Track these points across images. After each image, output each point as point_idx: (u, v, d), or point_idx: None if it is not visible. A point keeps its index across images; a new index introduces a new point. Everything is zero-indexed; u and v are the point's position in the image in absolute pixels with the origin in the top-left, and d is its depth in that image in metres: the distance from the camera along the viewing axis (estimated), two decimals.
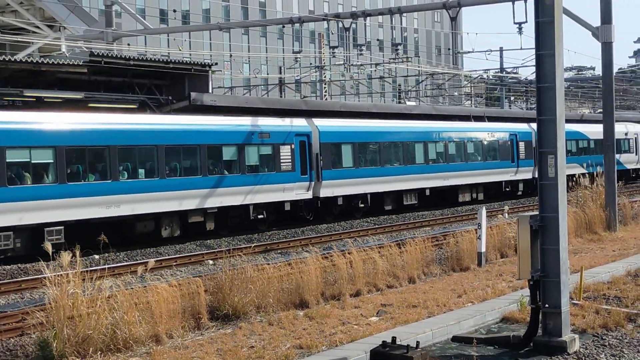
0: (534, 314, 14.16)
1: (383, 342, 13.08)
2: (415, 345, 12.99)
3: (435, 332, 14.93)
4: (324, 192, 36.64)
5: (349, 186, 37.91)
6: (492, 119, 53.22)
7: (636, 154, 64.47)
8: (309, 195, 36.01)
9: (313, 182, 36.15)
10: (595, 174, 33.76)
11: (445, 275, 21.81)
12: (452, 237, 24.26)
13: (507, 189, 50.25)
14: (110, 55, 34.78)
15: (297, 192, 35.48)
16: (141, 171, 30.22)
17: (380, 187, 39.70)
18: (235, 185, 32.97)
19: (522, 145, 50.92)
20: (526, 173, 51.38)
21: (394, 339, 13.14)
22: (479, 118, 51.96)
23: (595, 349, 13.92)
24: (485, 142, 48.15)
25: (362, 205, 39.04)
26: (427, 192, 43.12)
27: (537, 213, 14.19)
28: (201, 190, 31.70)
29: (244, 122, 34.11)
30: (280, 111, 39.16)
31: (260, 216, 34.13)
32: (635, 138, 64.66)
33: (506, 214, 31.51)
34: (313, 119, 37.36)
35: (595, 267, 21.38)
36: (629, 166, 63.35)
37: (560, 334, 13.86)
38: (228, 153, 33.16)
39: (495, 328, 15.95)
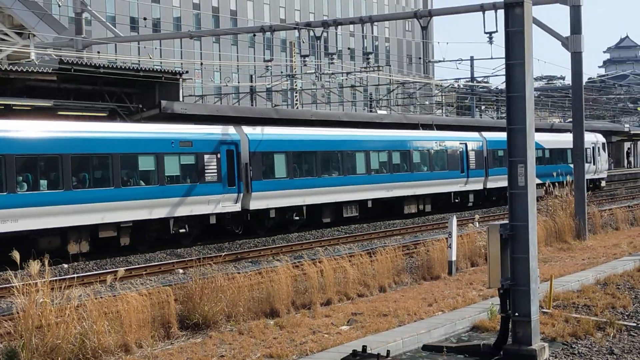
0: (504, 322, 14.20)
1: (353, 351, 13.06)
2: (385, 354, 12.98)
3: (406, 340, 14.93)
4: (255, 205, 34.62)
5: (282, 198, 35.95)
6: (441, 127, 51.79)
7: (593, 164, 62.53)
8: (237, 207, 33.97)
9: (242, 194, 34.16)
10: (548, 184, 33.40)
11: (416, 283, 21.82)
12: (423, 245, 24.31)
13: (457, 200, 48.09)
14: (80, 63, 34.61)
15: (224, 204, 33.31)
16: (44, 182, 27.78)
17: (317, 199, 37.83)
18: (153, 197, 30.70)
19: (472, 154, 49.09)
20: (477, 184, 49.65)
21: (364, 347, 13.13)
22: (427, 126, 50.50)
23: (564, 358, 13.98)
24: (433, 152, 45.97)
25: (297, 218, 37.13)
26: (370, 204, 41.09)
27: (507, 222, 14.24)
28: (113, 203, 29.35)
29: (163, 130, 32.18)
30: (251, 120, 39.09)
31: (182, 230, 32.05)
32: (593, 147, 62.86)
33: (477, 223, 31.60)
34: (243, 127, 35.44)
35: (565, 276, 21.49)
36: (586, 176, 62.62)
37: (530, 342, 13.90)
38: (145, 163, 30.81)
39: (466, 337, 15.98)
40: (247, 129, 35.37)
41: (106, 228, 29.35)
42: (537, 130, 62.43)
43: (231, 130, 34.64)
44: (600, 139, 65.16)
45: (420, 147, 44.99)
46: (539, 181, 47.15)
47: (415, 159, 44.23)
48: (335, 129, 41.81)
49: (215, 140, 33.48)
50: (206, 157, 32.74)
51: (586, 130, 67.64)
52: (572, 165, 52.09)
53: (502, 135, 47.57)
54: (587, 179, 58.85)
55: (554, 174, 51.03)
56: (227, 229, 34.56)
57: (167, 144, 31.38)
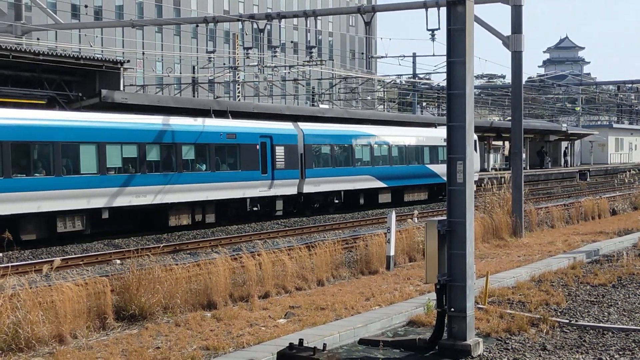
0: (440, 317, 14.32)
1: (290, 344, 13.07)
2: (322, 348, 13.00)
3: (343, 334, 14.98)
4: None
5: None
6: (238, 114, 40.88)
7: None
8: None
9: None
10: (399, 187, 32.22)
11: (354, 278, 21.90)
12: (362, 240, 24.39)
13: (256, 209, 38.21)
14: (18, 49, 34.12)
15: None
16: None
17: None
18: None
19: (280, 150, 39.06)
20: (288, 187, 39.66)
21: (301, 341, 13.14)
22: (220, 113, 39.30)
23: (498, 353, 14.14)
24: (216, 146, 35.87)
25: None
26: (106, 214, 31.77)
27: (445, 218, 14.36)
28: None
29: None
30: (193, 111, 38.83)
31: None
32: None
33: (416, 219, 31.82)
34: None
35: (501, 272, 21.73)
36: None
37: (465, 337, 14.04)
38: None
39: (402, 331, 16.08)
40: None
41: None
42: (384, 123, 52.74)
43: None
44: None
45: (194, 140, 34.99)
46: (382, 184, 44.03)
47: (186, 156, 34.61)
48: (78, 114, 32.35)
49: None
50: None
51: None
52: (429, 167, 50.63)
53: (327, 127, 44.87)
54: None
55: (407, 176, 48.68)
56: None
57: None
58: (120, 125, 32.22)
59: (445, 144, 50.86)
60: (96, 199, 30.97)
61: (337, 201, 43.72)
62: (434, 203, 50.03)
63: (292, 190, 39.98)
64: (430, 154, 51.08)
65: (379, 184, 46.28)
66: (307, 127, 41.95)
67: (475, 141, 54.03)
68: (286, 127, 40.70)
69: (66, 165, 30.24)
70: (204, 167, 35.48)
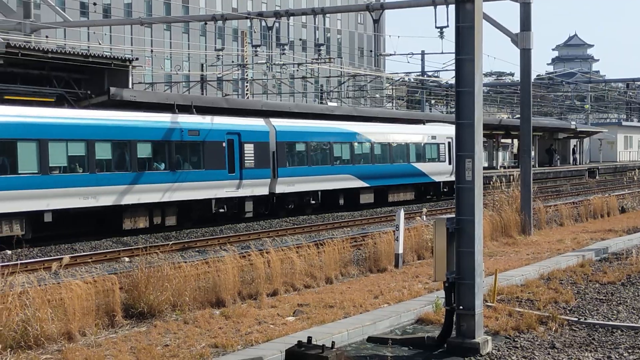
0: (449, 315, 14.31)
1: (299, 341, 13.08)
2: (330, 345, 13.01)
3: (351, 332, 14.97)
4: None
5: None
6: (204, 110, 38.20)
7: (450, 163, 50.48)
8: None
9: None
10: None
11: (363, 276, 21.89)
12: (371, 238, 24.37)
13: (222, 210, 36.28)
14: (27, 47, 34.18)
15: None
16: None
17: None
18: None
19: (250, 148, 36.98)
20: (258, 187, 37.69)
21: (309, 338, 13.15)
22: (184, 108, 36.56)
23: (507, 351, 14.12)
24: (176, 144, 33.77)
25: None
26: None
27: (454, 216, 14.34)
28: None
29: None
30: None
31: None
32: (449, 143, 50.79)
33: (424, 217, 31.79)
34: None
35: (510, 270, 21.70)
36: (438, 178, 50.80)
37: (473, 335, 14.03)
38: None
39: (411, 329, 16.07)
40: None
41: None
42: (368, 119, 50.88)
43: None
44: None
45: (150, 137, 33.04)
46: (363, 184, 42.35)
47: (141, 154, 32.66)
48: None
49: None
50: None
51: (443, 122, 57.03)
52: (415, 165, 48.38)
53: (303, 124, 42.82)
54: (442, 182, 51.04)
55: (391, 175, 46.40)
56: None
57: None
58: (66, 122, 30.04)
59: (432, 141, 49.60)
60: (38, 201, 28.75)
61: (313, 202, 41.51)
62: (420, 203, 46.52)
63: (263, 191, 38.08)
64: (417, 151, 49.07)
65: (360, 184, 44.11)
66: (280, 123, 39.97)
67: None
68: (256, 123, 38.52)
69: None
70: (162, 166, 33.38)
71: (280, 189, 39.02)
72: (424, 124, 54.46)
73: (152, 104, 36.75)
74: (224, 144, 35.78)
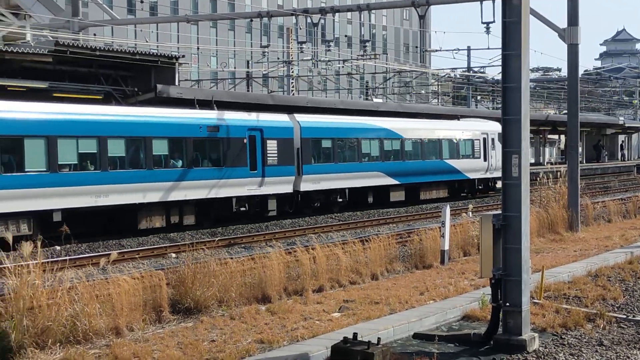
0: (495, 312, 14.23)
1: (344, 338, 13.08)
2: (376, 342, 12.99)
3: (397, 328, 14.95)
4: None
5: None
6: (226, 105, 37.68)
7: (484, 159, 50.08)
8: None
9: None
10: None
11: (408, 272, 21.85)
12: (416, 234, 24.30)
13: (243, 209, 35.01)
14: (76, 45, 34.55)
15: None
16: None
17: None
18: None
19: (273, 145, 35.89)
20: (282, 185, 36.52)
21: (355, 335, 13.14)
22: (205, 104, 36.03)
23: (554, 348, 14.02)
24: (193, 140, 32.71)
25: None
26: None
27: (500, 212, 14.26)
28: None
29: None
30: (247, 105, 38.90)
31: None
32: (484, 139, 50.28)
33: (470, 213, 31.64)
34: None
35: (557, 267, 21.53)
36: (472, 175, 49.64)
37: (520, 332, 13.94)
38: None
39: (457, 326, 16.01)
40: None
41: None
42: (393, 114, 49.75)
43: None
44: (495, 128, 49.71)
45: (165, 134, 31.96)
46: (393, 181, 41.80)
47: (157, 150, 31.59)
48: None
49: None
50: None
51: (478, 117, 56.15)
52: (448, 162, 47.16)
53: (329, 120, 41.88)
54: (476, 179, 49.99)
55: (423, 172, 45.07)
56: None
57: None
58: (76, 117, 28.89)
59: (467, 137, 48.45)
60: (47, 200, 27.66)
61: (340, 200, 40.35)
62: (454, 201, 45.16)
63: (286, 189, 36.85)
64: (450, 148, 47.82)
65: (390, 181, 42.93)
66: (305, 119, 38.71)
67: (499, 134, 48.21)
68: (280, 119, 37.31)
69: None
70: (179, 163, 32.28)
71: (305, 186, 37.90)
72: (458, 119, 53.37)
73: (198, 100, 36.99)
74: (245, 141, 34.59)
